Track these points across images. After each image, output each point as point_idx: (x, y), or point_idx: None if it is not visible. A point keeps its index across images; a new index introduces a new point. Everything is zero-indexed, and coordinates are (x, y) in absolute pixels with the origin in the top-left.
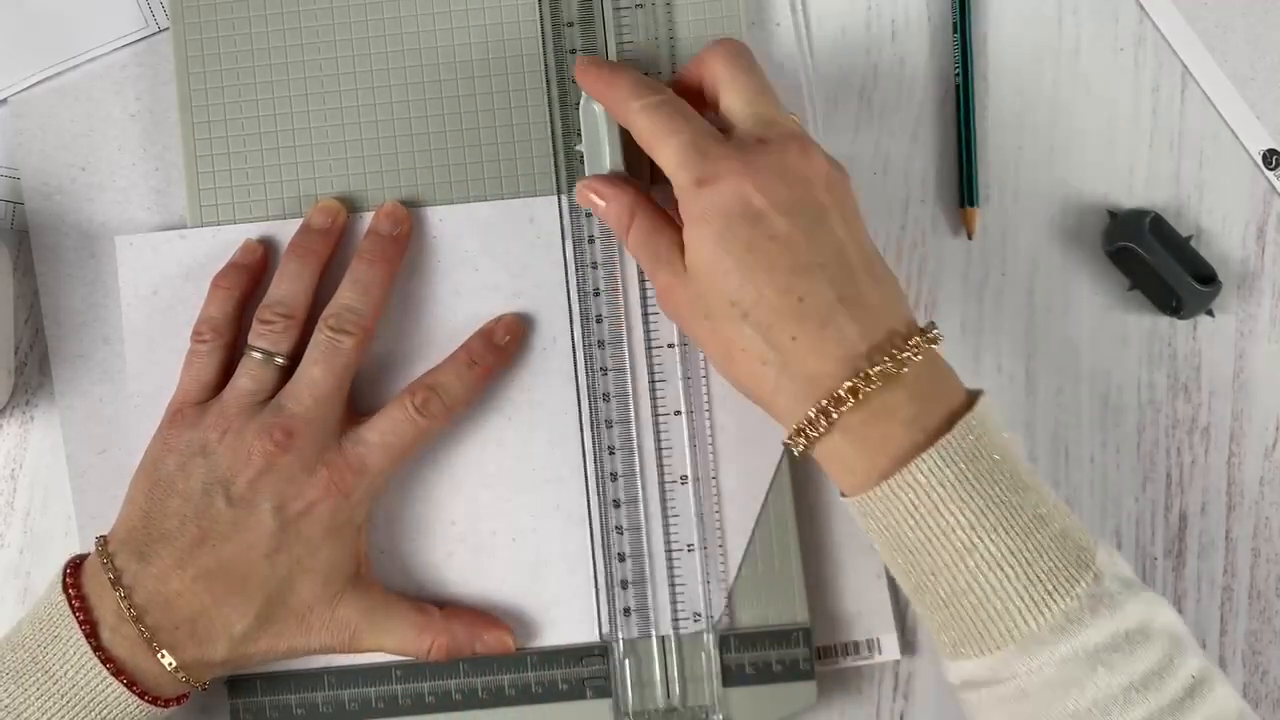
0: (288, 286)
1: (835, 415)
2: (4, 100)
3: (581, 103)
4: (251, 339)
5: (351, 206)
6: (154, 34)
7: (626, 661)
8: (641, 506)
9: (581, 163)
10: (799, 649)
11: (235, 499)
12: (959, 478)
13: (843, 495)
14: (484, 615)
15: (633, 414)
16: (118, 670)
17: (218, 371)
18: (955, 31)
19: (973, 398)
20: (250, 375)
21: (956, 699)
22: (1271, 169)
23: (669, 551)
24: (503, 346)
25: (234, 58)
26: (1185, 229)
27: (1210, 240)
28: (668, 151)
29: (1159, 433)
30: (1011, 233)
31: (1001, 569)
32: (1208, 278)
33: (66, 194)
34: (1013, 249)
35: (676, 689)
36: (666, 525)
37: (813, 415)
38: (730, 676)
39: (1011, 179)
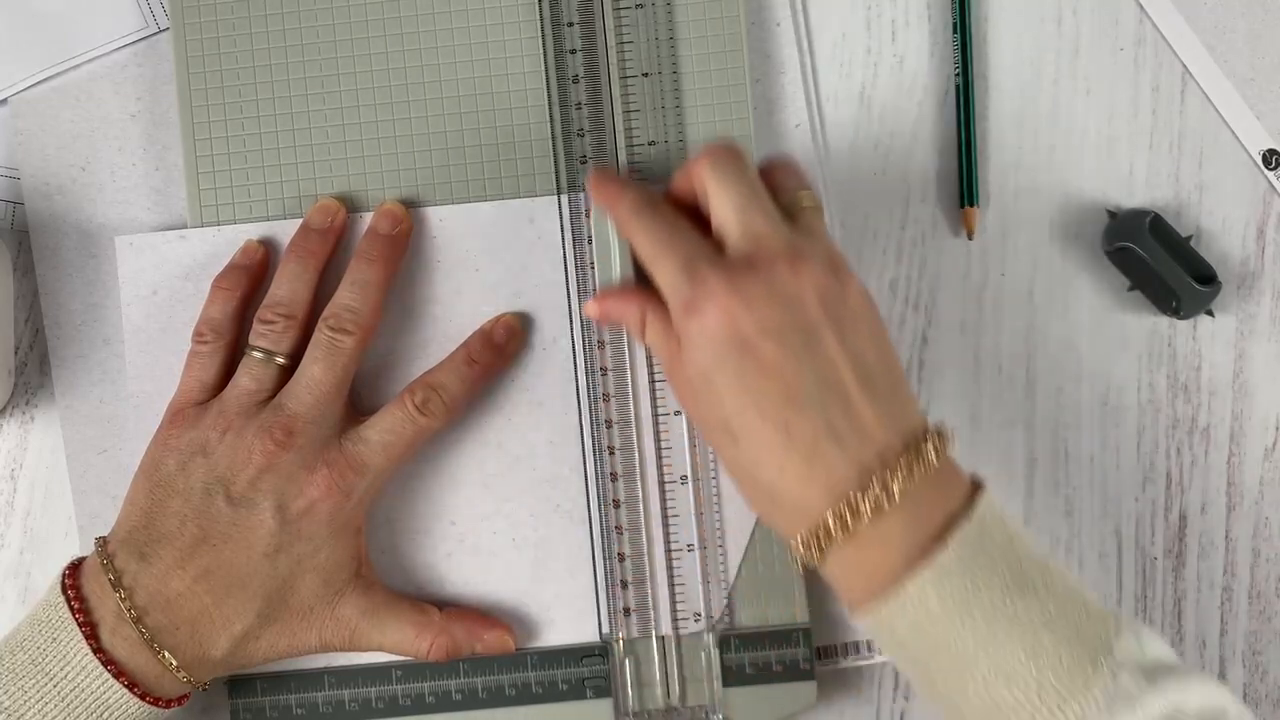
0: (288, 287)
1: (826, 546)
2: (4, 100)
3: (594, 211)
4: (252, 339)
5: (351, 206)
6: (154, 34)
7: (626, 661)
8: (641, 506)
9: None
10: (799, 649)
11: (236, 498)
12: (957, 593)
13: (849, 613)
14: (484, 616)
15: (633, 414)
16: (118, 671)
17: (218, 372)
18: (955, 31)
19: (973, 493)
20: (251, 375)
21: None
22: (1271, 169)
23: (669, 551)
24: (501, 346)
25: (234, 58)
26: (1185, 229)
27: (1210, 240)
28: (661, 274)
29: (1159, 433)
30: (1011, 233)
31: (1009, 680)
32: (1208, 278)
33: (66, 194)
34: (1013, 249)
35: (676, 689)
36: (666, 525)
37: (805, 540)
38: (730, 676)
39: (1011, 179)
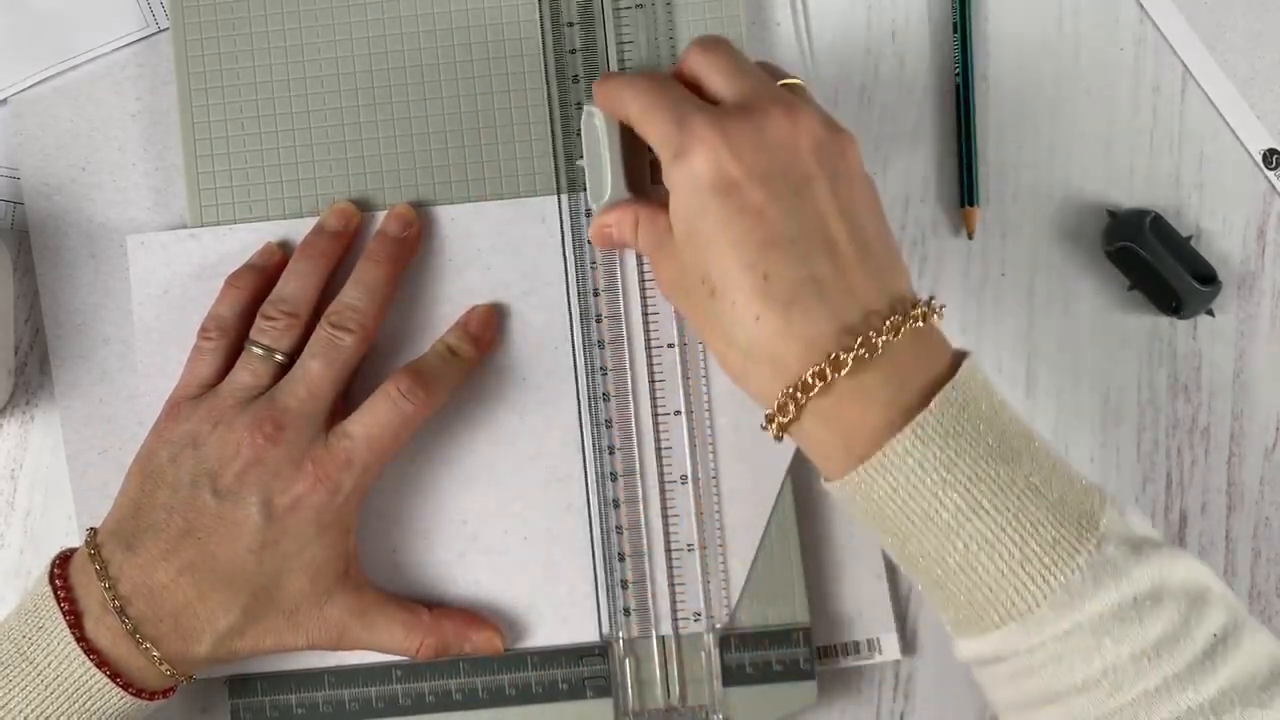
0: (294, 285)
1: (803, 400)
2: (4, 100)
3: (582, 118)
4: (253, 334)
5: (365, 206)
6: (154, 34)
7: (626, 661)
8: (641, 507)
9: (583, 177)
10: (799, 649)
11: (222, 491)
12: (939, 457)
13: (824, 481)
14: (473, 615)
15: (633, 414)
16: (101, 661)
17: (219, 369)
18: (955, 31)
19: (957, 362)
20: (249, 370)
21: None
22: (1271, 169)
23: (669, 551)
24: (478, 336)
25: (234, 58)
26: (1185, 229)
27: (1210, 240)
28: (652, 127)
29: (1159, 433)
30: (1011, 233)
31: (993, 548)
32: (1208, 278)
33: (66, 194)
34: (1013, 249)
35: (676, 689)
36: (666, 525)
37: (781, 400)
38: (730, 676)
39: (1011, 179)
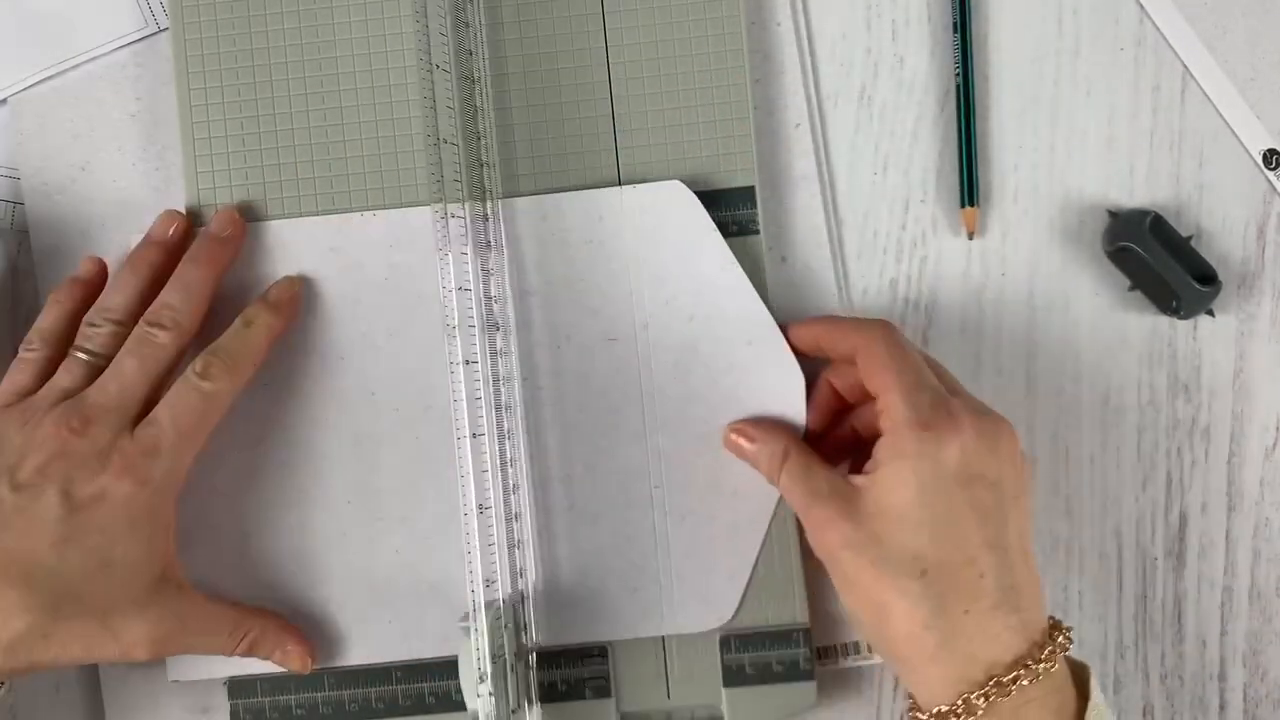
0: (120, 295)
1: (981, 707)
2: (4, 100)
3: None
4: (77, 340)
5: (366, 207)
6: (154, 34)
7: (626, 661)
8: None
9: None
10: (799, 649)
11: (19, 484)
12: None
13: None
14: (292, 627)
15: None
16: None
17: (36, 379)
18: (955, 31)
19: (1083, 691)
20: (69, 374)
21: None
22: (1271, 169)
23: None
24: (278, 303)
25: (234, 58)
26: (1185, 229)
27: (1210, 240)
28: (903, 390)
29: (1159, 433)
30: (1011, 233)
31: None
32: (1208, 278)
33: (66, 194)
34: (1013, 249)
35: (676, 689)
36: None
37: (958, 703)
38: (730, 676)
39: (1011, 179)
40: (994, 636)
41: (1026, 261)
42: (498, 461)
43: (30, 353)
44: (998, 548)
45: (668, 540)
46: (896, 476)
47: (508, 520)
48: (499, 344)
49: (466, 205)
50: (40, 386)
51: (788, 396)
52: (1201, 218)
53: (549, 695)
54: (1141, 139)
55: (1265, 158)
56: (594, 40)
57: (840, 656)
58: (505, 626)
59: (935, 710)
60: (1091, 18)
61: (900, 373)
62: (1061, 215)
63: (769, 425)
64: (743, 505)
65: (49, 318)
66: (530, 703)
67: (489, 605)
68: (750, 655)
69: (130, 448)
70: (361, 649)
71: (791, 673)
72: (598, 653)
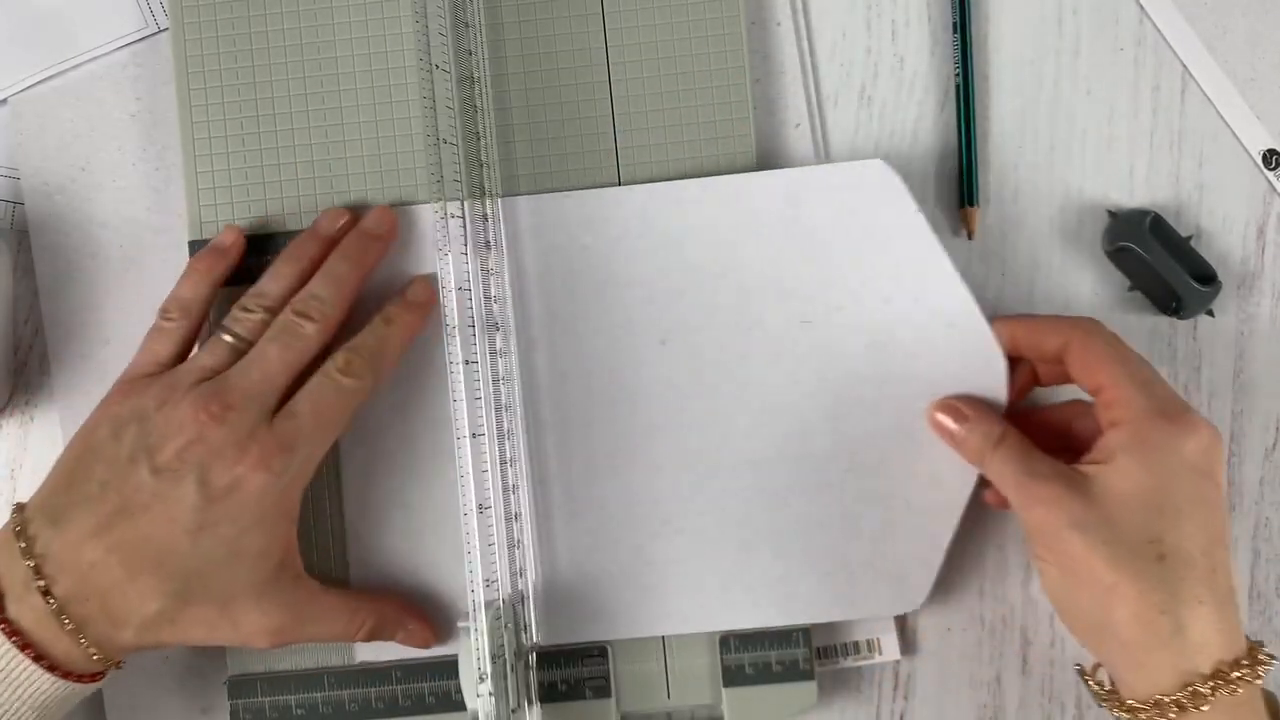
0: (278, 284)
1: (1210, 699)
2: (4, 100)
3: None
4: (227, 322)
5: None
6: (154, 34)
7: (626, 661)
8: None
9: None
10: (799, 649)
11: (159, 468)
12: None
13: None
14: (412, 606)
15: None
16: (24, 643)
17: (175, 350)
18: (955, 31)
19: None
20: (212, 354)
21: None
22: (1271, 169)
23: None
24: (419, 304)
25: (234, 58)
26: (1185, 229)
27: (1210, 240)
28: (1130, 372)
29: None
30: (1011, 233)
31: None
32: (1208, 278)
33: (66, 194)
34: (1013, 249)
35: (676, 689)
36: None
37: (1183, 693)
38: (730, 676)
39: (1011, 179)
40: (1221, 631)
41: (1026, 261)
42: (497, 461)
43: (169, 323)
44: (1225, 546)
45: (858, 524)
46: (1137, 463)
47: (508, 520)
48: (499, 344)
49: (466, 205)
50: (175, 358)
51: (990, 381)
52: (1201, 218)
53: (549, 695)
54: (1141, 139)
55: (1265, 158)
56: (594, 40)
57: (840, 656)
58: (505, 626)
59: (1154, 699)
60: (1091, 18)
61: (1129, 365)
62: (1061, 215)
63: (982, 405)
64: (937, 489)
65: (187, 285)
66: (530, 703)
67: (489, 605)
68: (750, 655)
69: (269, 439)
70: (362, 649)
71: (791, 673)
72: (597, 653)
